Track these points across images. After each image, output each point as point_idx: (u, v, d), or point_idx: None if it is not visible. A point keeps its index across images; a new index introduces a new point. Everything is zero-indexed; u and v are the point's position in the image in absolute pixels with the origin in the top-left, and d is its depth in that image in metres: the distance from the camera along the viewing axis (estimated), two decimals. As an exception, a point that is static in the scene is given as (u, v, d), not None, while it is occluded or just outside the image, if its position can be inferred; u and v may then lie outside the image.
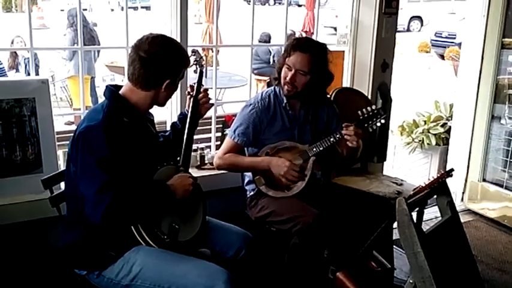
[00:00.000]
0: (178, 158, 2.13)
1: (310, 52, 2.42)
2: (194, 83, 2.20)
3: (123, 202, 1.75)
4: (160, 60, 1.87)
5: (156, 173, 1.95)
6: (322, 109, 2.65)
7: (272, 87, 2.59)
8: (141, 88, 1.91)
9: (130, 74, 1.91)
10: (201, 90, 2.19)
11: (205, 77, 2.71)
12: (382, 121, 2.45)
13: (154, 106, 2.02)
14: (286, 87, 2.47)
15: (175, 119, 2.90)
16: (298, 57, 2.41)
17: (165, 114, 3.02)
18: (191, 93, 2.18)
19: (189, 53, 2.18)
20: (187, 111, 2.18)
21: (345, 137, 2.38)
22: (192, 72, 2.29)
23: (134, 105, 1.93)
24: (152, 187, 1.89)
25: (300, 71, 2.42)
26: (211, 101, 2.24)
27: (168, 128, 2.34)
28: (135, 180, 1.83)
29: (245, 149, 2.60)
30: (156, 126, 2.18)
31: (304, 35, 8.35)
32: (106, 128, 1.79)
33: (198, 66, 2.23)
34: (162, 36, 1.95)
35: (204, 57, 2.34)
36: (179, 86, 2.03)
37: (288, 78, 2.44)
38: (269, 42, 8.12)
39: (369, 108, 2.45)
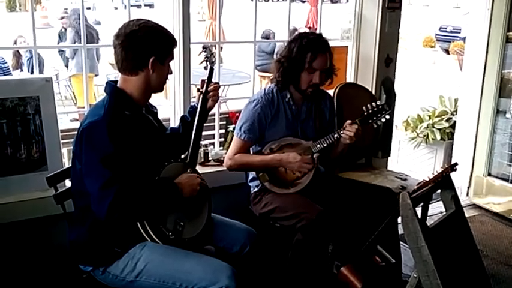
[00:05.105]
0: (184, 156, 2.13)
1: (328, 50, 2.44)
2: (204, 79, 2.19)
3: (128, 197, 1.75)
4: (138, 39, 1.84)
5: (164, 169, 1.95)
6: (324, 105, 2.65)
7: (274, 83, 2.58)
8: (130, 73, 1.88)
9: (116, 62, 1.89)
10: (212, 84, 2.18)
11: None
12: (387, 117, 2.44)
13: (155, 96, 1.99)
14: (310, 89, 2.46)
15: (179, 116, 2.92)
16: (322, 59, 2.41)
17: (169, 112, 3.03)
18: (201, 90, 2.17)
19: (201, 50, 2.18)
20: (197, 105, 2.17)
21: (345, 132, 2.38)
22: (203, 69, 2.27)
23: (131, 96, 1.90)
24: (159, 184, 1.89)
25: (323, 70, 2.43)
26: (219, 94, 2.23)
27: (172, 125, 2.33)
28: (141, 174, 1.84)
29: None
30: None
31: (308, 31, 8.30)
32: (108, 122, 1.78)
33: (208, 62, 2.21)
34: (139, 19, 1.91)
35: (215, 54, 2.32)
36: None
37: (315, 81, 2.42)
38: (273, 39, 8.09)
39: (373, 103, 2.44)
